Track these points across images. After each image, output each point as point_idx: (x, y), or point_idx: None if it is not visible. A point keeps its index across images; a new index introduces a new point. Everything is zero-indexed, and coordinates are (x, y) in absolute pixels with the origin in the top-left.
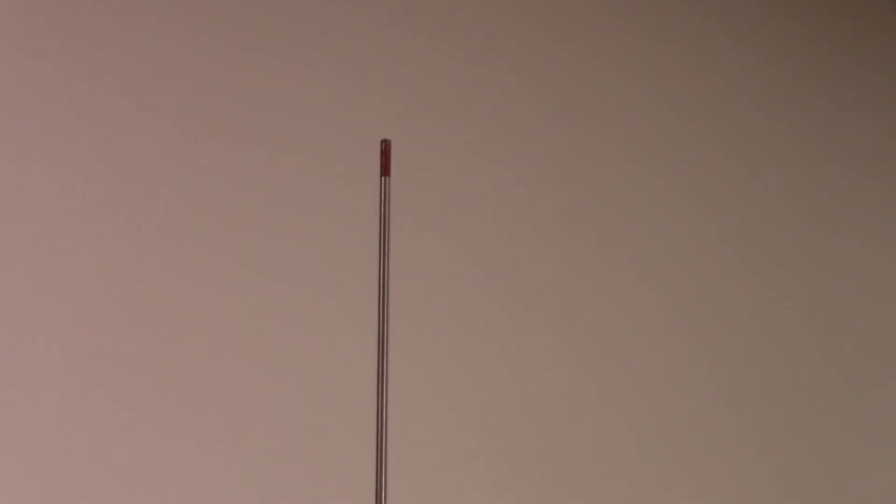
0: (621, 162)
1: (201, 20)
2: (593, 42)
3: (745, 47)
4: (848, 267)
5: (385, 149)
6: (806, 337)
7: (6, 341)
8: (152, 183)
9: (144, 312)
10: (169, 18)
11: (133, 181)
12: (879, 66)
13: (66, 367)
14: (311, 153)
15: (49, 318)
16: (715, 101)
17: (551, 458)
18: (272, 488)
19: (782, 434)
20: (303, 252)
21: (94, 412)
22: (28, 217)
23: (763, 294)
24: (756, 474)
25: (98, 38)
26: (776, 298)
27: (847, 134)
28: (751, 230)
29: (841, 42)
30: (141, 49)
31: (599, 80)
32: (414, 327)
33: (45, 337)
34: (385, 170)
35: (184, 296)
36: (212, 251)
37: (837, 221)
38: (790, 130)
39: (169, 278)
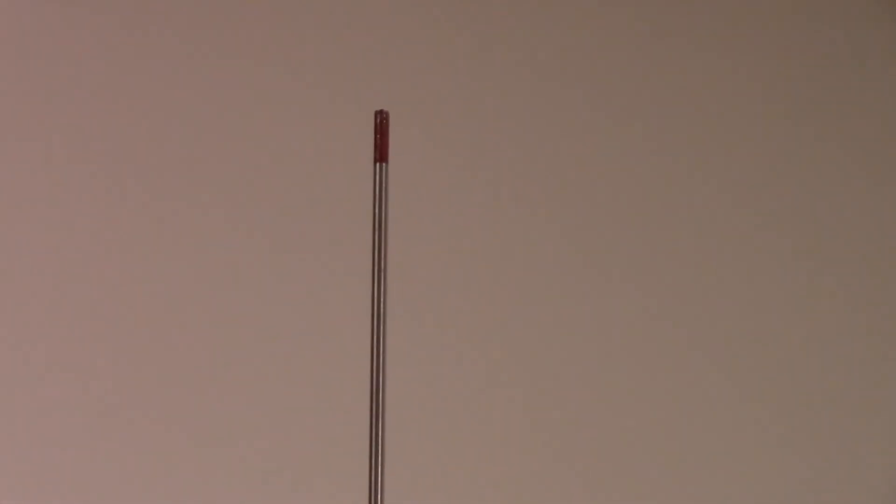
0: (637, 147)
1: None
2: (607, 17)
3: (746, 48)
4: (850, 267)
5: (381, 124)
6: (807, 337)
7: (6, 341)
8: (124, 175)
9: (125, 304)
10: None
11: (107, 165)
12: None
13: (56, 367)
14: (285, 132)
15: (41, 316)
16: (713, 101)
17: (549, 461)
18: (264, 487)
19: (783, 435)
20: (281, 255)
21: (81, 408)
22: (26, 217)
23: (762, 295)
24: (757, 475)
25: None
26: (775, 299)
27: (853, 134)
28: (750, 230)
29: (845, 42)
30: (116, 21)
31: (613, 63)
32: (412, 344)
33: (39, 337)
34: (381, 153)
35: (163, 292)
36: (191, 250)
37: (839, 221)
38: (791, 131)
39: (144, 273)
